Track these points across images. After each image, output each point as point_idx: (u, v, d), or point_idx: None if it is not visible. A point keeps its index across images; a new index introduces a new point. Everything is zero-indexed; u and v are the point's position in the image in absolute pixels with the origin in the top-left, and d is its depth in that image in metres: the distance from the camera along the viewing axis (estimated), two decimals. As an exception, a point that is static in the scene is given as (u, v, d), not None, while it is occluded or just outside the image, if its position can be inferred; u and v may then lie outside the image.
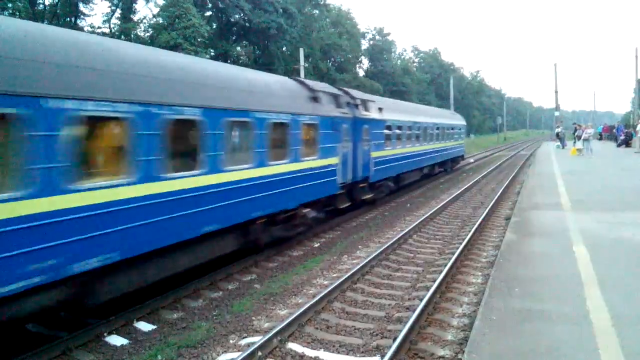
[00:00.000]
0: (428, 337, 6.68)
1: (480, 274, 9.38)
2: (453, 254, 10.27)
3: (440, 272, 9.07)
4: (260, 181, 9.65)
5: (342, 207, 14.25)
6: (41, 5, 38.07)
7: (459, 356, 6.11)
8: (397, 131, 18.78)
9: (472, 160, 38.77)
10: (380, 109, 17.00)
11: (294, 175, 10.95)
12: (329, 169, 12.72)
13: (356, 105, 14.85)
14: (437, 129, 25.27)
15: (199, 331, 7.11)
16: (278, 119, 10.34)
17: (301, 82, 12.67)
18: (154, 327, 7.31)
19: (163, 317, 7.69)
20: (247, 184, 9.21)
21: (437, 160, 25.42)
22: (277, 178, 10.24)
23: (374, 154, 16.01)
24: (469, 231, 12.42)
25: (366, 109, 15.65)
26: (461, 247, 10.66)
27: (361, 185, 15.26)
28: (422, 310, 7.17)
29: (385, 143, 17.22)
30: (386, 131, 17.46)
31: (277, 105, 10.46)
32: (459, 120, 33.56)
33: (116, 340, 6.83)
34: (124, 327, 7.21)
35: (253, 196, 9.40)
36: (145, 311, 7.70)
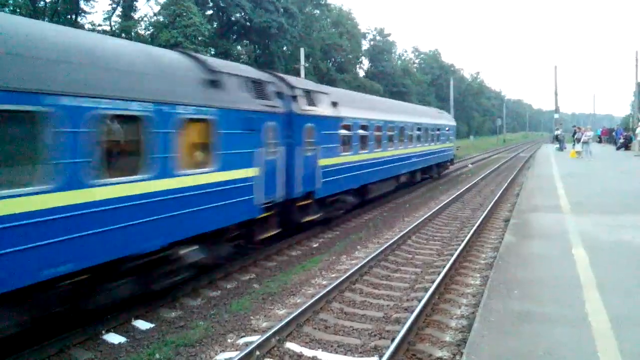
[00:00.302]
0: (426, 338, 6.68)
1: (478, 275, 9.38)
2: (452, 255, 10.27)
3: (439, 273, 9.07)
4: (70, 214, 5.84)
5: (264, 237, 10.50)
6: (42, 2, 37.99)
7: (457, 357, 6.11)
8: (361, 132, 15.13)
9: (470, 164, 38.76)
10: (334, 104, 13.43)
11: (158, 198, 7.05)
12: (240, 185, 9.08)
13: (294, 97, 11.36)
14: (419, 129, 21.77)
15: (197, 330, 7.10)
16: (122, 110, 6.49)
17: (195, 59, 8.82)
18: (152, 325, 7.30)
19: (161, 315, 7.68)
20: (30, 221, 5.37)
21: (418, 166, 21.91)
22: (116, 206, 6.38)
23: (324, 162, 12.56)
24: (468, 233, 12.41)
25: (311, 103, 12.10)
26: (460, 248, 10.65)
27: (302, 203, 11.84)
28: (421, 312, 7.17)
29: (341, 147, 13.69)
30: (344, 132, 13.91)
31: (124, 87, 6.58)
32: (446, 120, 29.62)
33: (114, 338, 6.82)
34: (121, 325, 7.19)
35: (48, 242, 5.58)
36: (144, 310, 7.69)
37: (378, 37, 79.41)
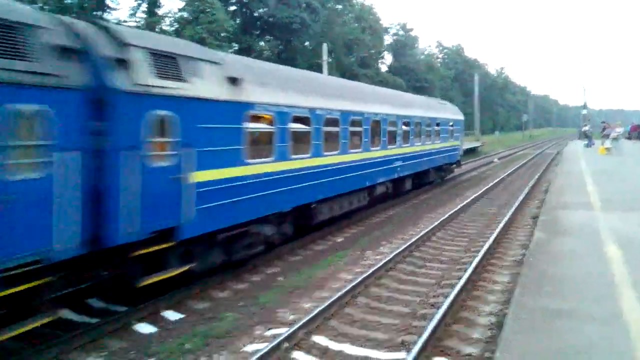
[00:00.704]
0: (454, 335, 6.63)
1: (507, 272, 9.24)
2: (479, 252, 10.14)
3: (466, 269, 8.97)
4: None
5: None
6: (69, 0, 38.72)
7: (486, 354, 6.05)
8: (295, 127, 10.34)
9: (496, 159, 38.22)
10: (233, 81, 8.46)
11: None
12: None
13: (121, 62, 6.56)
14: (407, 124, 17.01)
15: (226, 321, 7.20)
16: None
17: None
18: (182, 316, 7.44)
19: (190, 307, 7.81)
20: None
21: (405, 172, 16.99)
22: None
23: (204, 175, 7.76)
24: (495, 229, 12.24)
25: (172, 75, 7.22)
26: (487, 245, 10.51)
27: (150, 249, 6.91)
28: (448, 308, 7.11)
29: (248, 150, 8.83)
30: (255, 126, 9.20)
31: None
32: (450, 113, 23.98)
33: (145, 328, 6.97)
34: (152, 315, 7.34)
35: None
36: (173, 301, 7.82)
37: (400, 32, 78.72)
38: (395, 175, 16.11)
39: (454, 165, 24.45)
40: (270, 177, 9.51)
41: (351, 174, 12.76)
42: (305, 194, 10.77)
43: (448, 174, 23.98)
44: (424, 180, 20.38)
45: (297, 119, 10.46)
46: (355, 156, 13.00)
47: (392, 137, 15.78)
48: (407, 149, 17.03)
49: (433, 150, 20.15)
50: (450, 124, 23.08)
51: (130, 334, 6.79)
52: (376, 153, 14.39)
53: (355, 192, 13.45)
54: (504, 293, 8.05)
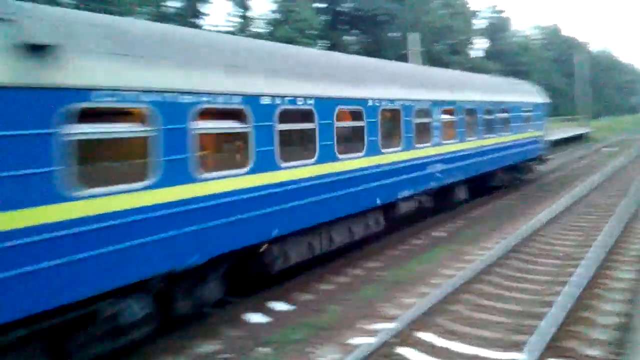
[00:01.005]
0: (573, 335, 6.17)
1: (631, 268, 8.46)
2: (598, 247, 9.37)
3: (583, 265, 8.32)
4: None
5: None
6: (171, 9, 41.41)
7: (611, 357, 5.59)
8: (209, 125, 6.40)
9: (606, 148, 35.19)
10: (40, 49, 4.58)
11: None
12: None
13: None
14: (452, 112, 12.58)
15: (330, 314, 7.34)
16: None
17: None
18: (289, 307, 7.68)
19: (296, 298, 8.04)
20: None
21: (452, 179, 12.48)
22: None
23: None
24: (614, 222, 11.25)
25: None
26: (608, 239, 9.69)
27: None
28: (567, 306, 6.63)
29: (83, 171, 4.95)
30: (94, 130, 5.08)
31: None
32: (527, 95, 18.67)
33: (255, 318, 7.30)
34: (260, 306, 7.65)
35: None
36: (280, 293, 8.09)
37: (491, 15, 74.89)
38: (433, 184, 11.62)
39: (534, 162, 19.44)
40: (147, 215, 5.46)
41: (346, 191, 8.66)
42: (240, 232, 6.65)
43: (526, 174, 18.93)
44: (488, 184, 15.75)
45: (215, 114, 6.47)
46: (351, 164, 8.83)
47: (425, 132, 11.34)
48: (452, 147, 12.42)
49: (499, 146, 15.31)
50: (526, 109, 17.92)
51: (242, 323, 7.14)
52: (393, 156, 10.04)
53: (358, 215, 9.32)
54: (629, 292, 7.37)
